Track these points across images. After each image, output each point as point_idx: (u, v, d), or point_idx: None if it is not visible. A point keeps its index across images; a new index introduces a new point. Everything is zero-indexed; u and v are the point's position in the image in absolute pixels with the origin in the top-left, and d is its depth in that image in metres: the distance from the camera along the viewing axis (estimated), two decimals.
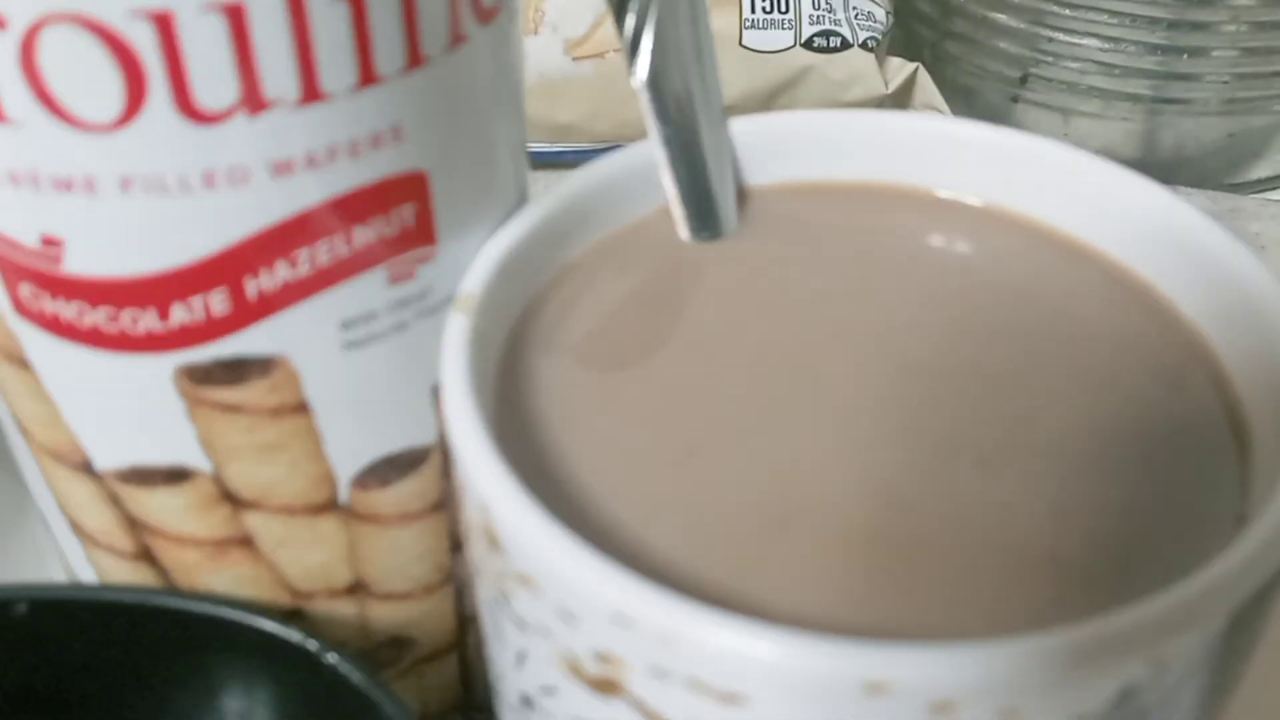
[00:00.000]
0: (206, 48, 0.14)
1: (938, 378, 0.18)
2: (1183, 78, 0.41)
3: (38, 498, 0.20)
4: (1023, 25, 0.42)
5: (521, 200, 0.20)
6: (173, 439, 0.17)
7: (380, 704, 0.18)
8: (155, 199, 0.15)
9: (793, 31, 0.41)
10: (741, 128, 0.20)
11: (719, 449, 0.17)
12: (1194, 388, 0.17)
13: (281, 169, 0.15)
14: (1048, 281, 0.19)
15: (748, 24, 0.41)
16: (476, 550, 0.16)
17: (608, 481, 0.16)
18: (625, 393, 0.18)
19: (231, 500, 0.18)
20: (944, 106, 0.43)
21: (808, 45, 0.41)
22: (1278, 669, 0.18)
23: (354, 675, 0.18)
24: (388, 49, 0.15)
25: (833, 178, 0.20)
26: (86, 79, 0.14)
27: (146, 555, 0.19)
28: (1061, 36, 0.42)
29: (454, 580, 0.21)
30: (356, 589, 0.20)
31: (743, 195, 0.21)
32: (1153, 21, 0.40)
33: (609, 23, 0.38)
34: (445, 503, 0.20)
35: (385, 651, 0.22)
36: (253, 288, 0.16)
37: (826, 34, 0.41)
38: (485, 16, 0.17)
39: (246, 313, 0.16)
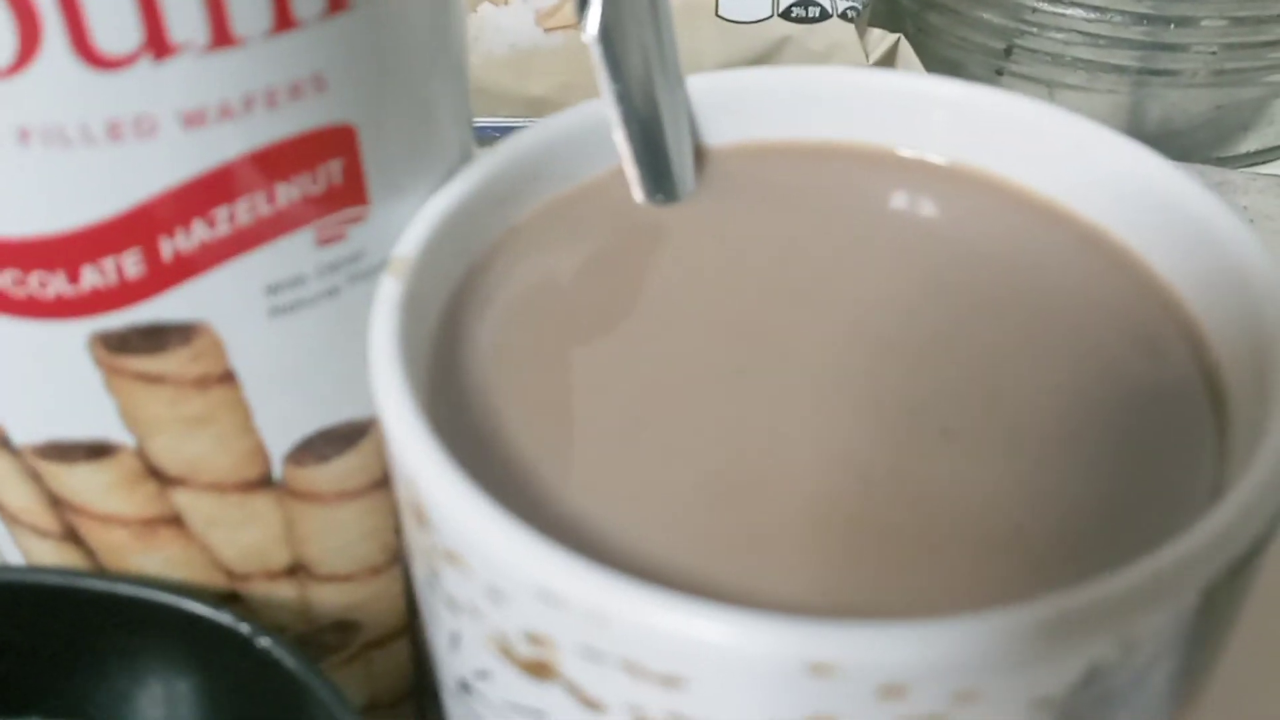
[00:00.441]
0: None
1: (902, 346, 0.17)
2: (1169, 48, 0.41)
3: None
4: None
5: (464, 160, 0.19)
6: (91, 412, 0.17)
7: (315, 690, 0.17)
8: (56, 151, 0.14)
9: (770, 1, 0.40)
10: (699, 85, 0.19)
11: (670, 420, 0.16)
12: (1171, 354, 0.17)
13: (193, 120, 0.14)
14: (1019, 244, 0.18)
15: None
16: (408, 527, 0.15)
17: (549, 453, 0.15)
18: (572, 362, 0.17)
19: (157, 477, 0.17)
20: None
21: (786, 15, 0.40)
22: (1257, 650, 0.17)
23: (287, 660, 0.17)
24: None
25: (795, 137, 0.19)
26: None
27: (72, 535, 0.18)
28: (1046, 6, 0.41)
29: (402, 560, 0.20)
30: (296, 570, 0.19)
31: (700, 156, 0.20)
32: None
33: None
34: (388, 479, 0.19)
35: (330, 636, 0.21)
36: (168, 249, 0.15)
37: (805, 3, 0.40)
38: None
39: (163, 276, 0.15)
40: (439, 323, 0.17)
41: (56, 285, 0.15)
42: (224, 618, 0.18)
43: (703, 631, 0.12)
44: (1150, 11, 0.40)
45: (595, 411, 0.16)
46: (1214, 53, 0.40)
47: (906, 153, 0.19)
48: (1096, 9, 0.40)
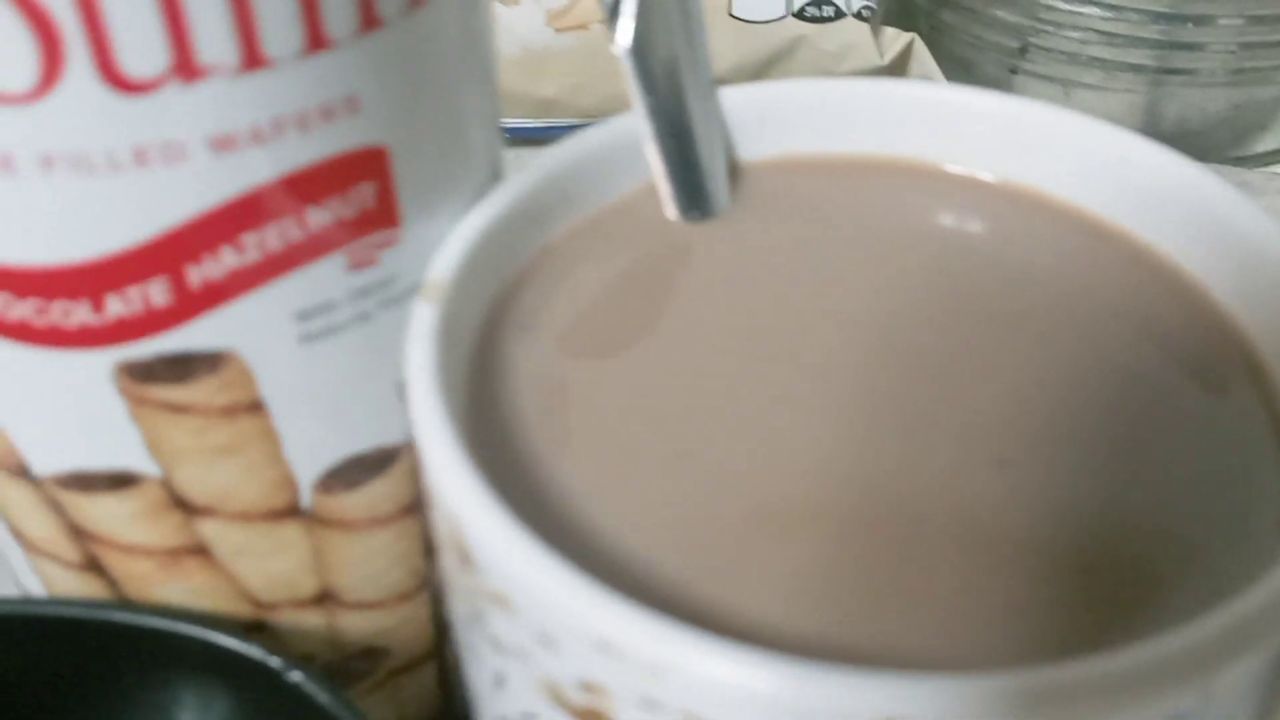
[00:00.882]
0: (131, 7, 0.12)
1: (948, 369, 0.16)
2: (1187, 47, 0.40)
3: None
4: None
5: (495, 179, 0.18)
6: (116, 442, 0.16)
7: None
8: (81, 178, 0.13)
9: (784, 1, 0.39)
10: (733, 98, 0.19)
11: (712, 449, 0.15)
12: (1228, 380, 0.16)
13: (222, 144, 0.14)
14: (1068, 264, 0.18)
15: None
16: (447, 565, 0.15)
17: (591, 486, 0.15)
18: (610, 387, 0.16)
19: (183, 507, 0.17)
20: (941, 78, 0.41)
21: (800, 15, 0.40)
22: None
23: (320, 695, 0.17)
24: (338, 9, 0.14)
25: (832, 151, 0.19)
26: None
27: (94, 565, 0.18)
28: (1062, 4, 0.40)
29: (430, 585, 0.20)
30: (324, 599, 0.19)
31: (734, 171, 0.19)
32: None
33: None
34: (419, 505, 0.19)
35: (358, 663, 0.20)
36: (196, 276, 0.15)
37: (819, 3, 0.40)
38: None
39: (190, 304, 0.15)
40: (473, 347, 0.16)
41: (80, 315, 0.15)
42: (253, 650, 0.17)
43: (766, 684, 0.11)
44: (1168, 10, 0.39)
45: (636, 440, 0.15)
46: (1232, 52, 0.40)
47: (951, 168, 0.18)
48: (1113, 7, 0.40)
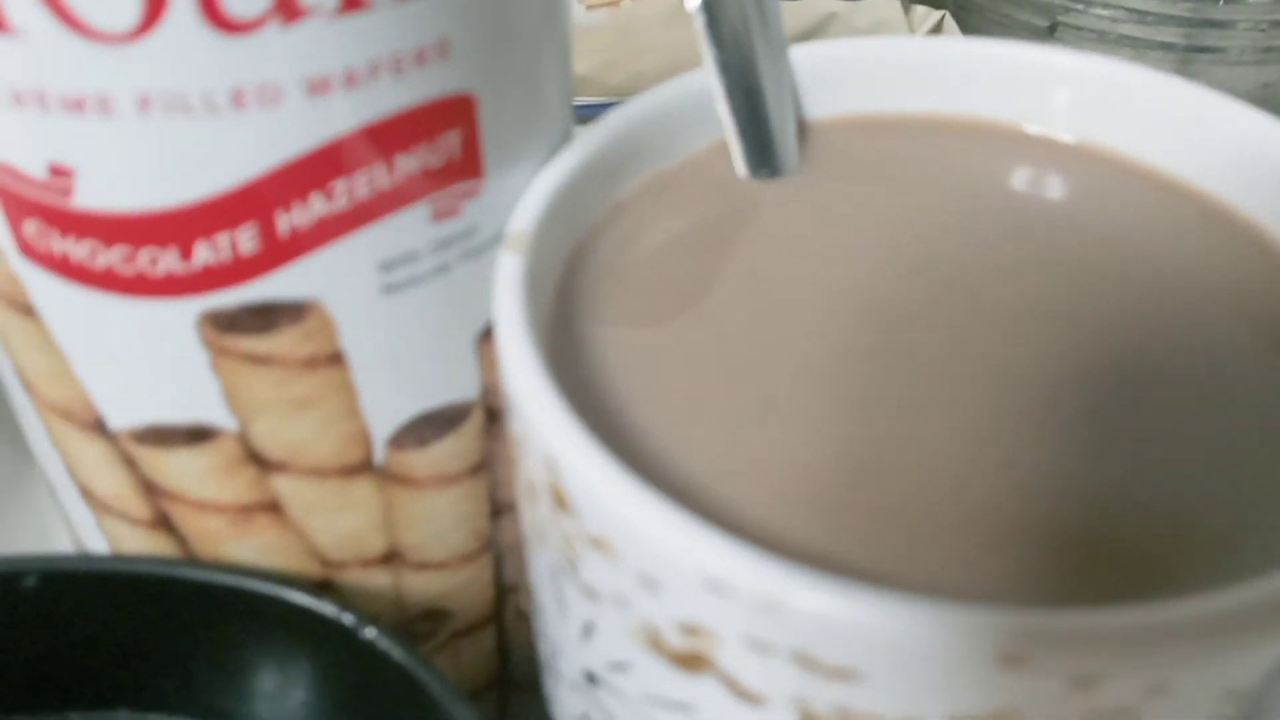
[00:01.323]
0: None
1: (1031, 327, 0.16)
2: (1216, 24, 0.40)
3: (42, 461, 0.18)
4: None
5: (567, 135, 0.18)
6: (194, 394, 0.16)
7: (425, 683, 0.16)
8: (177, 121, 0.13)
9: None
10: (803, 56, 0.19)
11: (800, 402, 0.15)
12: None
13: (318, 87, 0.14)
14: (1148, 225, 0.17)
15: None
16: (539, 511, 0.14)
17: (680, 437, 0.15)
18: (688, 341, 0.16)
19: (258, 462, 0.17)
20: None
21: None
22: None
23: (394, 651, 0.17)
24: None
25: (904, 110, 0.19)
26: None
27: (164, 523, 0.18)
28: None
29: (493, 548, 0.20)
30: (391, 558, 0.19)
31: (804, 130, 0.19)
32: None
33: None
34: (486, 464, 0.19)
35: (420, 625, 0.20)
36: (285, 223, 0.14)
37: None
38: None
39: (277, 252, 0.15)
40: (552, 300, 0.16)
41: (167, 262, 0.14)
42: (327, 607, 0.17)
43: (887, 622, 0.11)
44: None
45: (721, 391, 0.15)
46: (1262, 30, 0.40)
47: (1032, 129, 0.18)
48: None
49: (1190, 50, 0.41)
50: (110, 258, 0.14)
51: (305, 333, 0.16)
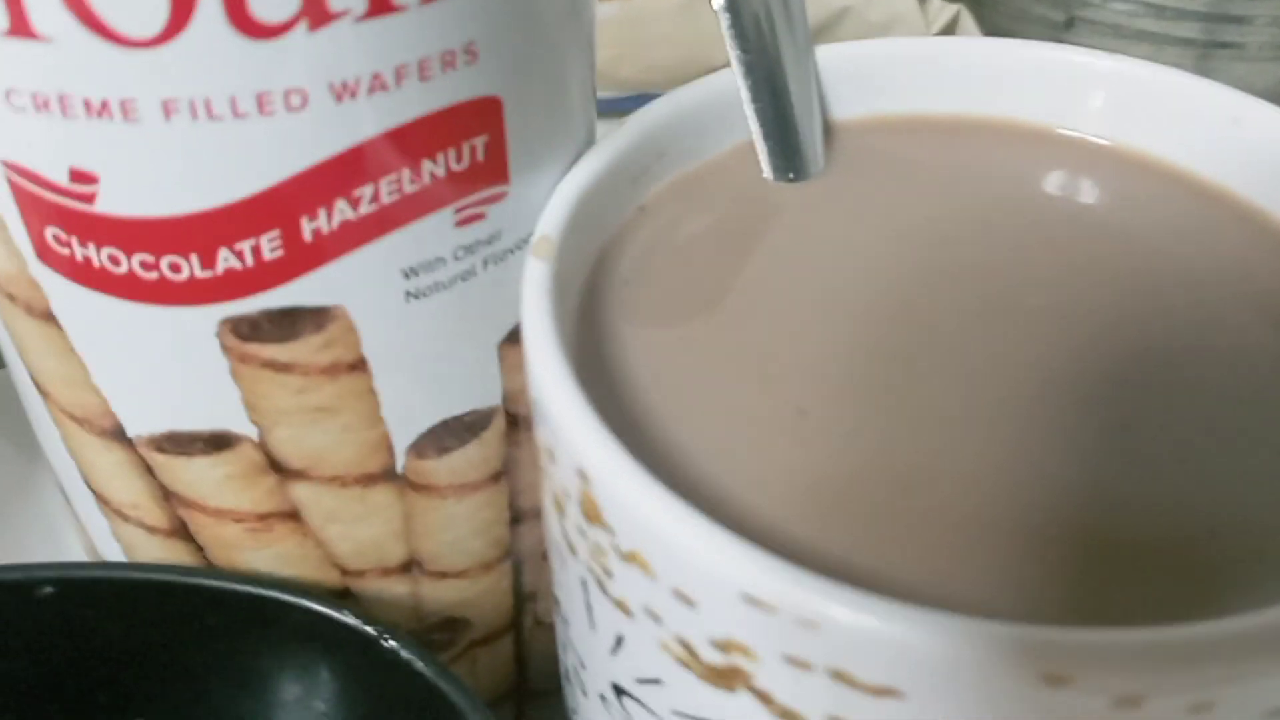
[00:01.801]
0: None
1: (1063, 332, 0.16)
2: (1236, 20, 0.40)
3: (57, 467, 0.18)
4: None
5: (590, 137, 0.18)
6: (214, 402, 0.16)
7: (446, 694, 0.16)
8: (202, 126, 0.13)
9: None
10: (829, 56, 0.19)
11: (831, 409, 0.15)
12: None
13: (344, 92, 0.13)
14: (1180, 229, 0.17)
15: None
16: (568, 522, 0.14)
17: (710, 445, 0.14)
18: (715, 346, 0.16)
19: (277, 470, 0.17)
20: None
21: None
22: None
23: (416, 662, 0.17)
24: None
25: (932, 112, 0.19)
26: None
27: (181, 531, 0.17)
28: None
29: (512, 555, 0.20)
30: (410, 566, 0.19)
31: (830, 131, 0.19)
32: None
33: None
34: (506, 471, 0.18)
35: (438, 634, 0.20)
36: (309, 230, 0.14)
37: None
38: None
39: (301, 258, 0.14)
40: (578, 306, 0.16)
41: (189, 269, 0.14)
42: (347, 617, 0.17)
43: (928, 641, 0.11)
44: None
45: (751, 398, 0.15)
46: None
47: (1064, 131, 0.18)
48: None
49: (1209, 45, 0.40)
50: (132, 264, 0.14)
51: (327, 340, 0.15)
